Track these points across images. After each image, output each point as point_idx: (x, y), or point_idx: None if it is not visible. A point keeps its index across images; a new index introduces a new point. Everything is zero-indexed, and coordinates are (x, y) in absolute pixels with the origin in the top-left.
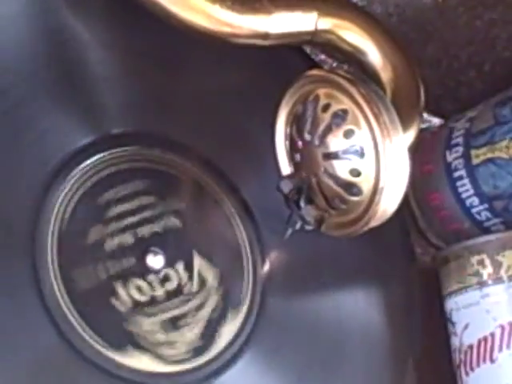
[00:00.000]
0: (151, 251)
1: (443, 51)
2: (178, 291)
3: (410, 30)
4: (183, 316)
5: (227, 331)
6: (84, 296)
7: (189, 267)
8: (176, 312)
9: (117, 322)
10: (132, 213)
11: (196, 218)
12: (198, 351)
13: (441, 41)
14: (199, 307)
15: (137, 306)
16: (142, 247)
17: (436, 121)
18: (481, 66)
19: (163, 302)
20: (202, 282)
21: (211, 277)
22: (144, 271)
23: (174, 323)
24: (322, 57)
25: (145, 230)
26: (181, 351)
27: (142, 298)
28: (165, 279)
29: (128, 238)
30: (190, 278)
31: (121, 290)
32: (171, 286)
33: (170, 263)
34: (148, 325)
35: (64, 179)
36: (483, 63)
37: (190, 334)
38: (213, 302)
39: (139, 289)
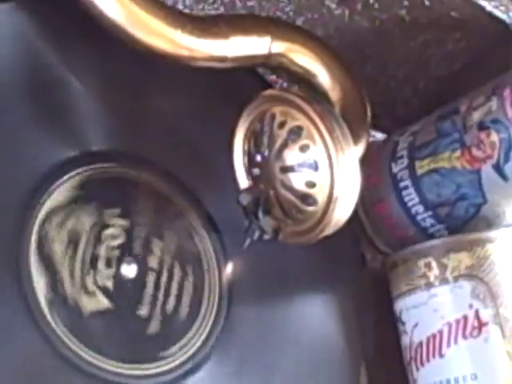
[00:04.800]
0: (125, 261)
1: (381, 71)
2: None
3: (350, 52)
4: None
5: (194, 339)
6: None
7: (157, 277)
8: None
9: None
10: (106, 226)
11: (161, 230)
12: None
13: (378, 61)
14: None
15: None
16: (116, 257)
17: (379, 135)
18: (416, 85)
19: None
20: (167, 292)
21: (176, 287)
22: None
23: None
24: (274, 77)
25: (118, 241)
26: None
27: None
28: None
29: (102, 249)
30: (157, 287)
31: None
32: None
33: (141, 273)
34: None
35: (45, 192)
36: (418, 82)
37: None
38: (178, 310)
39: (108, 262)
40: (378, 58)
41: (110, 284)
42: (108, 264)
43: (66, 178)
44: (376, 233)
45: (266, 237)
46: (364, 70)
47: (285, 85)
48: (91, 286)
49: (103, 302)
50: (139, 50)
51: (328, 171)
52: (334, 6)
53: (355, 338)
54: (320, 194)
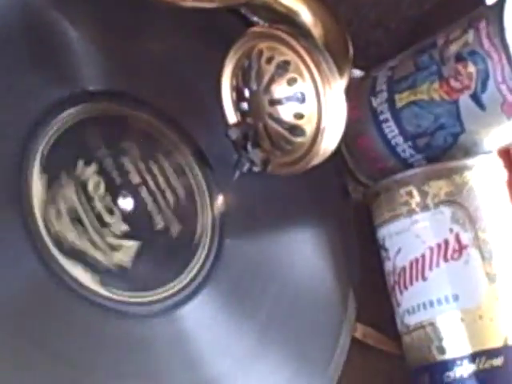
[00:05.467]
0: (121, 193)
1: (353, 13)
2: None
3: None
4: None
5: (187, 270)
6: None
7: (149, 210)
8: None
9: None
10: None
11: (153, 164)
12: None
13: (351, 3)
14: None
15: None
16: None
17: (357, 72)
18: (388, 25)
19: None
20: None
21: (170, 218)
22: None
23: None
24: (255, 19)
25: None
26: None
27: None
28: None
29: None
30: (150, 219)
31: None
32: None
33: (137, 205)
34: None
35: (47, 126)
36: (390, 22)
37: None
38: (172, 241)
39: (110, 211)
40: (350, 0)
41: (125, 226)
42: (110, 212)
43: (64, 114)
44: (357, 165)
45: (256, 169)
46: (337, 12)
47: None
48: (115, 241)
49: (132, 246)
50: None
51: (315, 103)
52: None
53: (342, 266)
54: (308, 125)
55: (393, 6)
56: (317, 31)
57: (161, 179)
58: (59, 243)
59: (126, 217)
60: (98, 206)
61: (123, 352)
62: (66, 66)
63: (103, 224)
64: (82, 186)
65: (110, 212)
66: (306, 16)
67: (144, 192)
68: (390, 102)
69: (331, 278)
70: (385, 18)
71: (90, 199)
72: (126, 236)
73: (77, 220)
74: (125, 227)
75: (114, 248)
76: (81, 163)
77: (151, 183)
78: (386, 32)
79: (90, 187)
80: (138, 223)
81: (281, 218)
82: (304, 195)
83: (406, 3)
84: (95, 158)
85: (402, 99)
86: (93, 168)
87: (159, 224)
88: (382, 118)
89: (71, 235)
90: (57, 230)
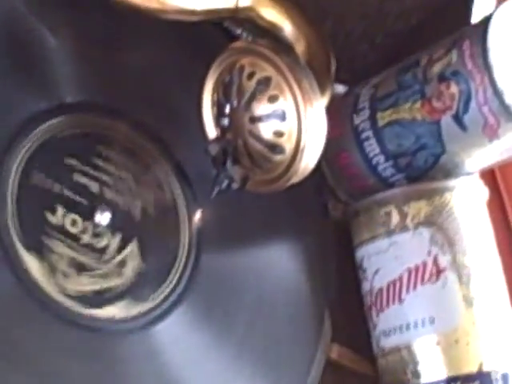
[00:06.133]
0: (99, 208)
1: (339, 27)
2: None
3: (310, 8)
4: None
5: (164, 286)
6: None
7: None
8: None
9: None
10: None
11: (132, 180)
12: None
13: (337, 17)
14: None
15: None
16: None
17: (340, 88)
18: (373, 40)
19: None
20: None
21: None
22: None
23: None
24: (239, 31)
25: (94, 188)
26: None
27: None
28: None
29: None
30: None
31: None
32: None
33: (111, 224)
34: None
35: (25, 138)
36: (375, 37)
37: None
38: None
39: (74, 222)
40: (336, 14)
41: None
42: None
43: (42, 127)
44: (338, 183)
45: (235, 186)
46: (323, 26)
47: (251, 38)
48: (119, 258)
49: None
50: (112, 3)
51: (296, 121)
52: None
53: (318, 284)
54: (288, 143)
55: (379, 21)
56: (300, 47)
57: (138, 192)
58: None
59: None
60: (87, 239)
61: (97, 369)
62: (43, 78)
63: (101, 251)
64: (65, 233)
65: (98, 235)
66: (290, 31)
67: (119, 205)
68: (372, 120)
69: (307, 295)
70: (371, 32)
71: (78, 241)
72: (120, 248)
73: (80, 267)
74: (116, 240)
75: (122, 263)
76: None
77: (127, 197)
78: (372, 46)
79: (68, 228)
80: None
81: (259, 234)
82: (283, 212)
83: (392, 17)
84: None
85: (384, 118)
86: (61, 211)
87: (133, 242)
88: (363, 136)
89: (86, 283)
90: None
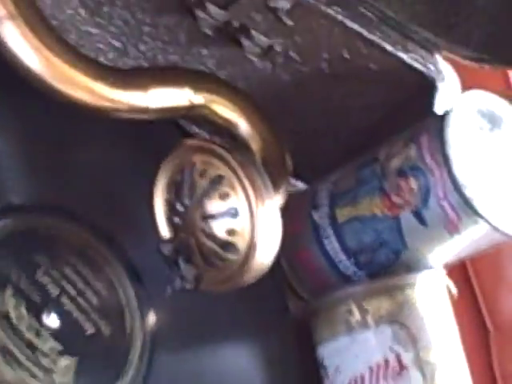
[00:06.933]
0: (47, 310)
1: (301, 122)
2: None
3: (271, 104)
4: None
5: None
6: None
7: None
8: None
9: None
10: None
11: (85, 280)
12: None
13: (299, 113)
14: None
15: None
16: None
17: (300, 185)
18: (336, 135)
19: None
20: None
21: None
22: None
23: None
24: (195, 129)
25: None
26: None
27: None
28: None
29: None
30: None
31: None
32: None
33: (63, 322)
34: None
35: None
36: (338, 132)
37: None
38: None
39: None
40: (298, 110)
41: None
42: (37, 334)
43: None
44: (298, 280)
45: (188, 286)
46: (285, 122)
47: (206, 136)
48: (51, 363)
49: (70, 363)
50: (61, 101)
51: (248, 219)
52: (255, 59)
53: (280, 382)
54: (241, 242)
55: (342, 117)
56: (255, 145)
57: (90, 293)
58: None
59: (55, 334)
60: (25, 332)
61: None
62: None
63: (34, 349)
64: (5, 317)
65: (37, 334)
66: (245, 129)
67: (68, 304)
68: (332, 216)
69: None
70: (334, 128)
71: (15, 330)
72: (60, 353)
73: (9, 355)
74: (57, 345)
75: (51, 371)
76: None
77: (78, 299)
78: (335, 142)
79: (13, 316)
80: (68, 337)
81: (216, 334)
82: (242, 311)
83: (354, 114)
84: (10, 282)
85: (343, 214)
86: (9, 292)
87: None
88: (323, 233)
89: (7, 373)
90: None
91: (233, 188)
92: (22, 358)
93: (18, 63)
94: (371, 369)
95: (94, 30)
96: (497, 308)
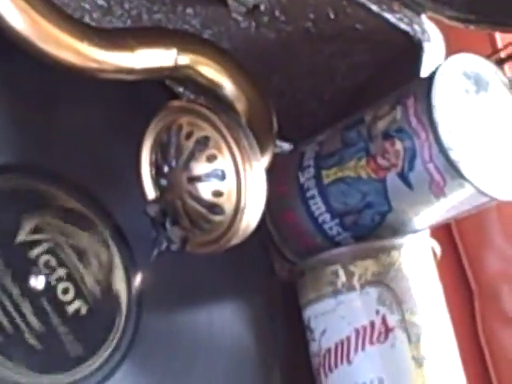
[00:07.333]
0: (33, 272)
1: (287, 83)
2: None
3: (256, 64)
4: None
5: (104, 347)
6: None
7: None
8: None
9: None
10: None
11: (70, 242)
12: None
13: (284, 73)
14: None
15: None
16: (25, 268)
17: (286, 146)
18: (322, 96)
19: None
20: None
21: (86, 297)
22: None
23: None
24: (180, 89)
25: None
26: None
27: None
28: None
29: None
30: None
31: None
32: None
33: (49, 284)
34: None
35: None
36: (324, 93)
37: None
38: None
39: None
40: (284, 70)
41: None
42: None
43: None
44: (284, 242)
45: (174, 247)
46: (270, 82)
47: (192, 96)
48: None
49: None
50: (46, 62)
51: (235, 181)
52: (240, 18)
53: (266, 344)
54: (227, 204)
55: (327, 77)
56: (240, 106)
57: (75, 256)
58: None
59: (40, 296)
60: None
61: None
62: None
63: (20, 312)
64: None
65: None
66: (230, 89)
67: (53, 266)
68: (317, 178)
69: (255, 355)
70: (319, 89)
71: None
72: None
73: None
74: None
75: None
76: None
77: (64, 261)
78: (320, 103)
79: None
80: (53, 300)
81: (202, 296)
82: (228, 271)
83: (340, 75)
84: None
85: (329, 176)
86: None
87: (73, 304)
88: (308, 194)
89: None
90: None
91: (219, 149)
92: (6, 322)
93: (3, 24)
94: (357, 331)
95: None
96: (480, 268)
